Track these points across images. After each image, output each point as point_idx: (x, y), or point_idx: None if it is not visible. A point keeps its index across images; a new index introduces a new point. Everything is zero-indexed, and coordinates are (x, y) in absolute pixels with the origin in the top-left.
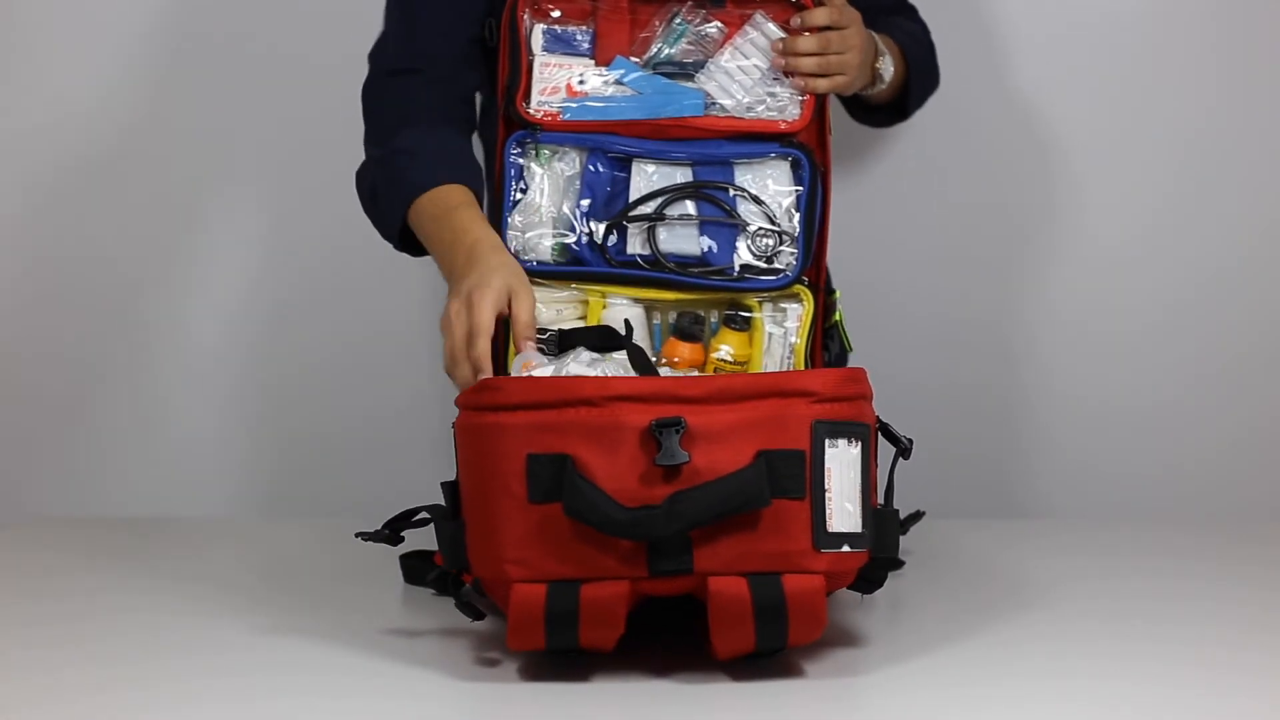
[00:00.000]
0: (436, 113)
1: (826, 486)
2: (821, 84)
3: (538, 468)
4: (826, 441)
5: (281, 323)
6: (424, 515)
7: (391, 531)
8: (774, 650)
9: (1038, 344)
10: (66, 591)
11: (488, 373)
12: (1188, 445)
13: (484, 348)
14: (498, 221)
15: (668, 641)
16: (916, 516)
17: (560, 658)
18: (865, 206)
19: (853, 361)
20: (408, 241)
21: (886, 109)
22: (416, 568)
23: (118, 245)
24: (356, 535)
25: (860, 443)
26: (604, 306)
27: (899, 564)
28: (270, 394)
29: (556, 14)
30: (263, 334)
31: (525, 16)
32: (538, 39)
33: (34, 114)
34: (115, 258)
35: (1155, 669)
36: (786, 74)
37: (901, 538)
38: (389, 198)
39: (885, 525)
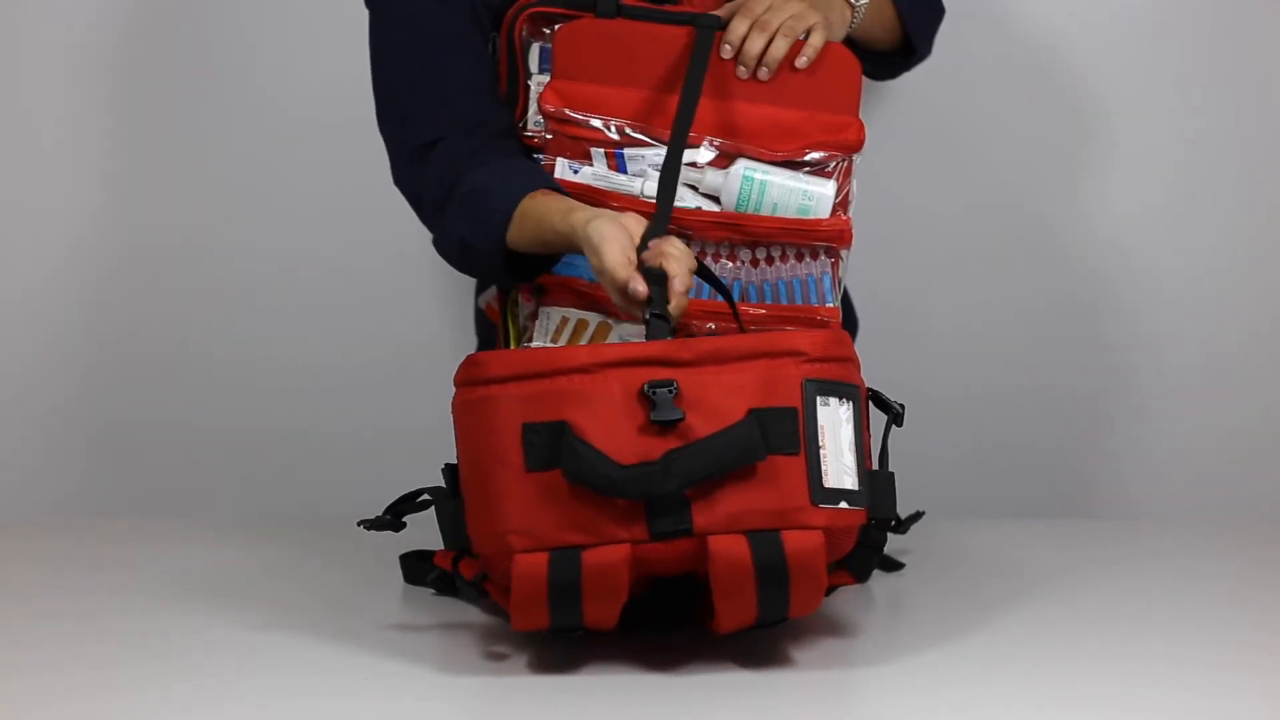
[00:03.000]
0: (485, 153)
1: (821, 443)
2: (779, 46)
3: (533, 436)
4: (818, 399)
5: (281, 323)
6: (425, 497)
7: (394, 516)
8: (775, 621)
9: (1038, 343)
10: (66, 591)
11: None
12: (1188, 445)
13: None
14: None
15: (667, 638)
16: (916, 516)
17: (562, 647)
18: (873, 208)
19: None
20: (517, 268)
21: (895, 53)
22: (416, 568)
23: (118, 245)
24: (359, 523)
25: (851, 403)
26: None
27: (898, 565)
28: (270, 394)
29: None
30: (263, 334)
31: (523, 33)
32: (534, 57)
33: (34, 115)
34: (116, 257)
35: (1154, 669)
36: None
37: (901, 537)
38: (479, 241)
39: (881, 487)
